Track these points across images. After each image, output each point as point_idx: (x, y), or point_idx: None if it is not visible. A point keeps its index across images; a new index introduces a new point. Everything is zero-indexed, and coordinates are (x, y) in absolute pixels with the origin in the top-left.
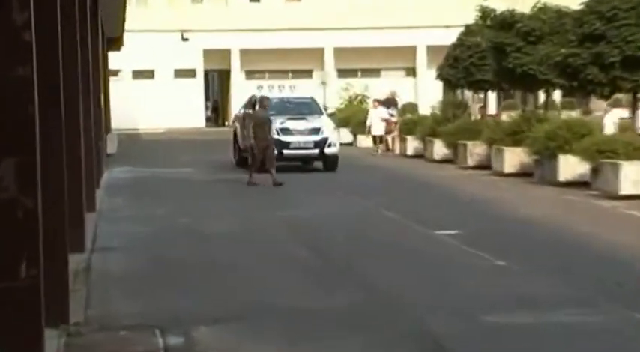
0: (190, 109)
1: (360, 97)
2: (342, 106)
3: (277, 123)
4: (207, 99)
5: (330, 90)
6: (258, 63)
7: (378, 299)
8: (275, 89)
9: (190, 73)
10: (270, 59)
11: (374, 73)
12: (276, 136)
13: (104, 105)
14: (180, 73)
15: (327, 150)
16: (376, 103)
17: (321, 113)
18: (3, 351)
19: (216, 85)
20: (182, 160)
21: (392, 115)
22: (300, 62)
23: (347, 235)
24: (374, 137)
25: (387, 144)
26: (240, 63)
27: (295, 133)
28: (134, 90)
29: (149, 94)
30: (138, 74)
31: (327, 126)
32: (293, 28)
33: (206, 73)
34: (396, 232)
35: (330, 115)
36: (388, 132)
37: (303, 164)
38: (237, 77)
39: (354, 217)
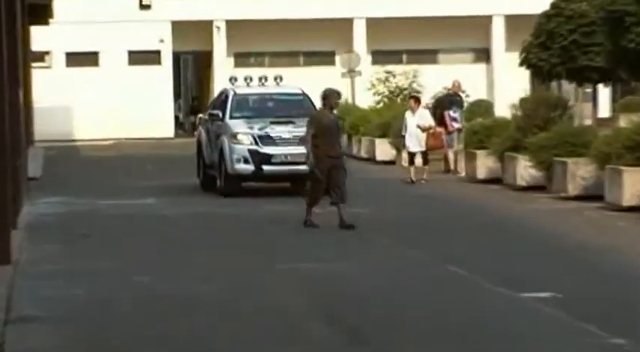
0: (153, 111)
1: (405, 92)
2: (379, 106)
3: (255, 128)
4: (177, 95)
5: (360, 82)
6: (255, 42)
7: None
8: (255, 81)
9: (153, 58)
10: (273, 36)
11: (427, 56)
12: (252, 146)
13: (24, 106)
14: (137, 58)
15: None
16: (414, 103)
17: None
18: None
19: (192, 74)
20: (140, 187)
21: (454, 120)
22: (317, 41)
23: (393, 303)
24: (410, 156)
25: (446, 163)
26: (228, 42)
27: (280, 142)
28: (69, 82)
29: (91, 89)
30: (75, 59)
31: None
32: None
33: (176, 57)
34: (466, 297)
35: None
36: (433, 147)
37: (293, 186)
38: (222, 63)
39: (402, 275)
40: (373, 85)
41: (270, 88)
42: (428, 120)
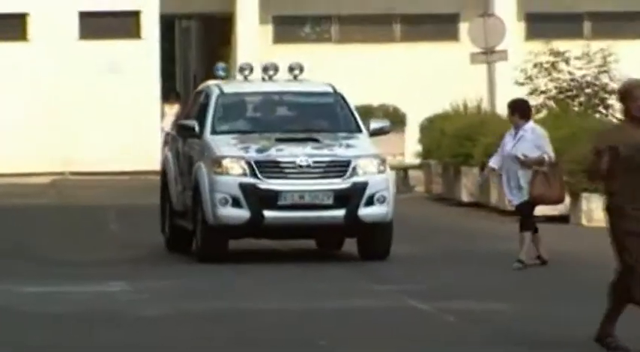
0: (125, 122)
1: (589, 91)
2: (541, 115)
3: (252, 150)
4: (169, 93)
5: (505, 71)
6: (310, 0)
7: None
8: (256, 72)
9: (125, 25)
10: None
11: (627, 25)
12: (247, 179)
13: None
14: (97, 26)
15: (363, 213)
16: (514, 114)
17: (354, 128)
18: None
19: (198, 56)
20: (96, 262)
21: None
22: None
23: None
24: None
25: None
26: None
27: (292, 173)
28: None
29: (14, 81)
30: None
31: (365, 159)
32: None
33: (170, 25)
34: None
35: (375, 134)
36: (542, 197)
37: (318, 246)
38: (253, 34)
39: None
40: (529, 78)
41: (281, 83)
42: (541, 145)
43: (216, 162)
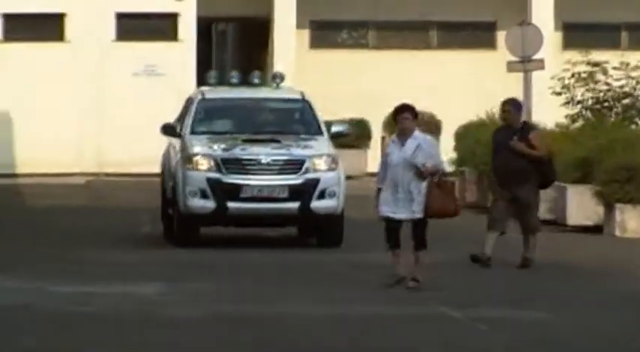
0: (160, 124)
1: (626, 101)
2: (576, 125)
3: (219, 148)
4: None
5: (542, 80)
6: (347, 6)
7: None
8: (237, 79)
9: (162, 28)
10: None
11: None
12: (213, 174)
13: None
14: (134, 27)
15: (315, 205)
16: (404, 119)
17: (316, 131)
18: None
19: (234, 58)
20: (127, 263)
21: None
22: (465, 4)
23: None
24: (391, 229)
25: None
26: (299, 3)
27: (253, 169)
28: (10, 69)
29: (50, 82)
30: (22, 27)
31: (319, 158)
32: None
33: (206, 27)
34: None
35: (335, 136)
36: (442, 211)
37: (299, 232)
38: (289, 38)
39: None
40: (566, 87)
41: (257, 90)
42: (434, 155)
43: (189, 159)
